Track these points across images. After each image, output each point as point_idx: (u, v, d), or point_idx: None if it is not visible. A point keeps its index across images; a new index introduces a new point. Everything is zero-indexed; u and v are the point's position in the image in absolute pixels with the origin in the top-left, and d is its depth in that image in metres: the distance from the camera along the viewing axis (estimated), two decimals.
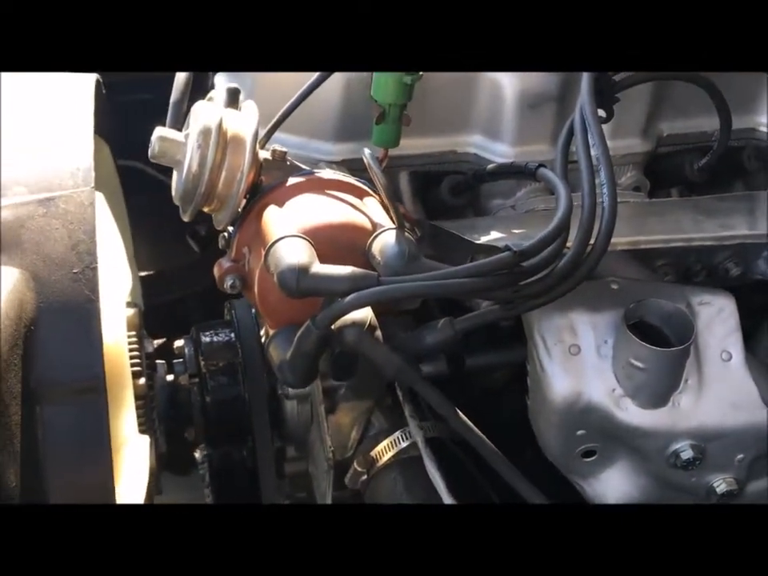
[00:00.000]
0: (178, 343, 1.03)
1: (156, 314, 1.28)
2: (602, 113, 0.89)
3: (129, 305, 1.02)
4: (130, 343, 0.93)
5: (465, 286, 0.70)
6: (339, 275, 0.70)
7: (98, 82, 0.95)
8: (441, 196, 0.97)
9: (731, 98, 1.00)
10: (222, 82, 1.01)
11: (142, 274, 1.66)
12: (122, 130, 1.22)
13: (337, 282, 0.69)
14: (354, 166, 0.94)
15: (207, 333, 1.00)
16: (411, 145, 0.94)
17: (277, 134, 0.87)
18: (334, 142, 0.93)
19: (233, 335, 0.99)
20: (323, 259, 0.72)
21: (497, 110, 0.94)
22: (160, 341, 1.46)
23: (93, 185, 0.76)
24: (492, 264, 0.71)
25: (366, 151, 0.76)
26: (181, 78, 0.85)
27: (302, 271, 0.69)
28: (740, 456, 0.90)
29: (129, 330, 0.95)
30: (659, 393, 0.88)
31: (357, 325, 0.71)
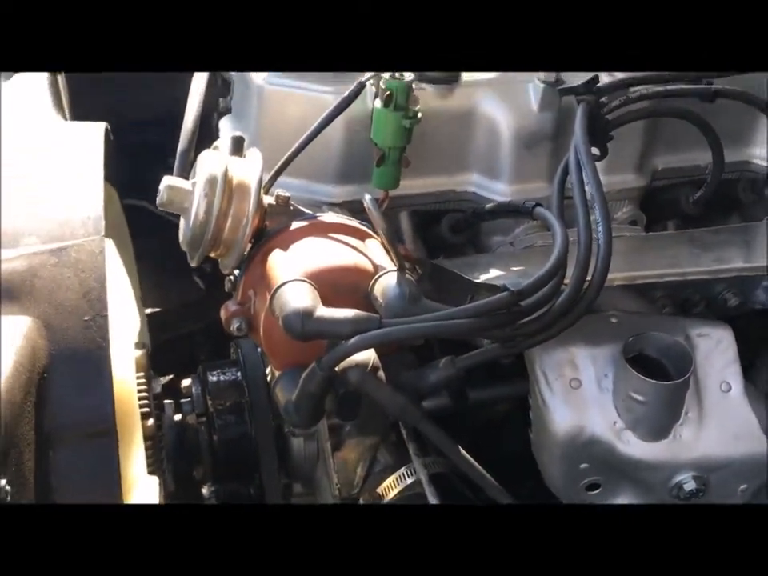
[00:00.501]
0: (186, 383, 1.04)
1: (164, 350, 1.30)
2: (596, 151, 0.92)
3: (137, 345, 1.04)
4: (138, 384, 0.95)
5: (464, 326, 0.72)
6: (342, 318, 0.72)
7: (106, 129, 0.98)
8: (441, 234, 0.99)
9: (725, 131, 1.02)
10: (227, 128, 1.05)
11: (149, 311, 1.68)
12: (130, 170, 1.26)
13: (340, 325, 0.71)
14: (356, 207, 0.96)
15: (214, 372, 1.02)
16: (411, 185, 0.96)
17: (280, 178, 0.89)
18: (336, 185, 0.96)
19: (239, 374, 1.01)
20: (327, 302, 0.74)
21: (493, 150, 0.97)
22: (168, 378, 1.48)
23: (103, 233, 0.78)
24: (490, 304, 0.73)
25: (367, 197, 0.78)
26: (187, 127, 0.88)
27: (306, 315, 0.71)
28: (743, 486, 0.90)
29: (137, 371, 0.97)
30: (660, 425, 0.89)
31: (360, 366, 0.73)
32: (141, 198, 1.34)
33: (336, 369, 0.72)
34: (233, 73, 1.06)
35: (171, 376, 1.47)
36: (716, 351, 0.94)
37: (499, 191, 0.98)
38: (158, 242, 1.12)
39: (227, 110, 1.10)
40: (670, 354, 0.91)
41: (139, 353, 1.01)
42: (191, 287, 1.55)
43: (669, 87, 0.93)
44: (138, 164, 1.33)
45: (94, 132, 0.93)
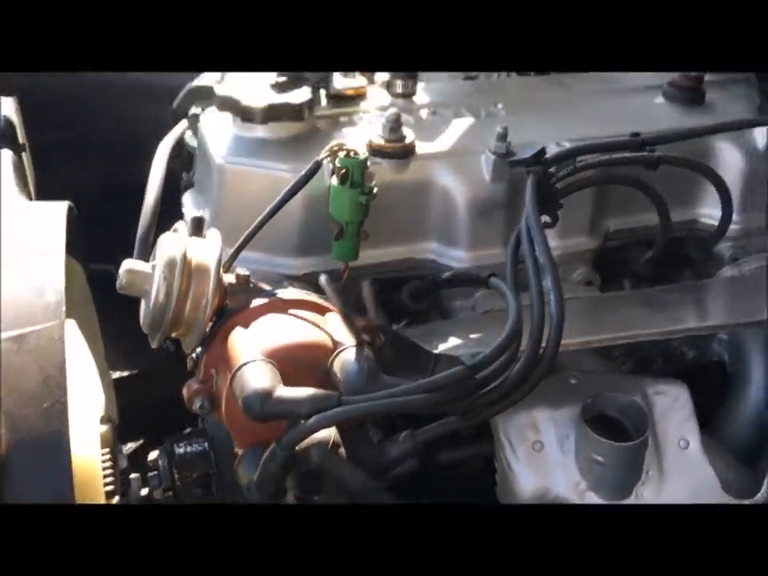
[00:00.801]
0: (152, 455, 1.04)
1: (135, 415, 1.29)
2: (547, 218, 0.95)
3: (102, 420, 1.03)
4: (103, 462, 0.94)
5: (421, 401, 0.73)
6: (301, 398, 0.73)
7: (69, 207, 0.99)
8: (402, 302, 1.01)
9: (673, 191, 1.06)
10: (190, 202, 1.07)
11: (120, 374, 1.68)
12: (98, 236, 1.27)
13: (299, 405, 0.72)
14: (317, 278, 0.98)
15: (181, 444, 1.01)
16: (371, 254, 0.99)
17: (242, 253, 0.91)
18: (297, 257, 0.98)
19: (206, 444, 1.01)
20: (287, 379, 0.76)
21: (450, 219, 1.00)
22: (138, 443, 1.47)
23: (63, 317, 0.79)
24: (447, 379, 0.74)
25: (322, 276, 0.80)
26: (147, 210, 0.90)
27: (266, 396, 0.72)
28: None
29: (102, 448, 0.96)
30: (622, 485, 0.91)
31: (321, 444, 0.74)
32: (108, 262, 1.35)
33: (297, 447, 0.73)
34: (196, 144, 1.09)
35: (141, 441, 1.46)
36: (673, 408, 0.96)
37: (457, 258, 1.01)
38: (126, 305, 1.13)
39: (190, 184, 1.12)
40: (628, 414, 0.93)
41: (104, 428, 1.01)
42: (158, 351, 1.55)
43: (614, 156, 0.97)
44: (106, 229, 1.35)
45: (57, 212, 0.94)
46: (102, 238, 1.32)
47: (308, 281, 0.96)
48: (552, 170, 0.95)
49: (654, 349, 1.09)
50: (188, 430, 1.05)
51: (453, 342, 0.91)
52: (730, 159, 1.07)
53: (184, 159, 1.14)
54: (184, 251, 0.79)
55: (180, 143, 1.12)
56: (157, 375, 1.61)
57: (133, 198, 1.03)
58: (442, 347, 0.89)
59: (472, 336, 0.93)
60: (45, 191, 1.18)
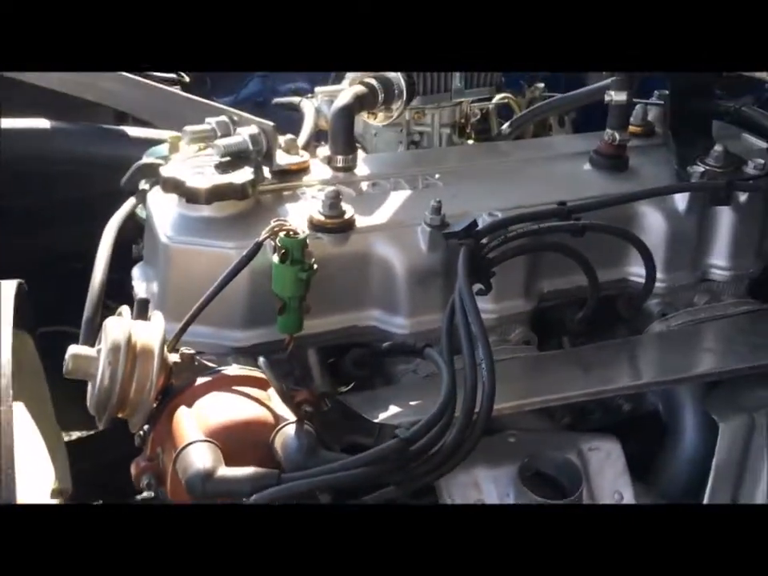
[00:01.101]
0: None
1: (90, 477, 1.30)
2: (481, 287, 1.00)
3: (53, 494, 1.05)
4: None
5: (360, 476, 0.77)
6: (242, 477, 0.76)
7: (19, 284, 1.01)
8: (346, 369, 1.05)
9: (603, 251, 1.12)
10: (138, 277, 1.10)
11: (77, 435, 1.68)
12: (52, 298, 1.29)
13: (240, 484, 0.75)
14: (264, 349, 1.02)
15: None
16: (316, 324, 1.02)
17: (190, 327, 0.94)
18: (244, 330, 1.01)
19: None
20: (230, 456, 0.79)
21: (390, 288, 1.04)
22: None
23: (11, 402, 0.81)
24: (383, 452, 0.78)
25: (261, 359, 0.84)
26: (93, 292, 0.93)
27: (207, 476, 0.75)
28: None
29: None
30: None
31: None
32: (63, 323, 1.37)
33: None
34: (144, 216, 1.12)
35: (100, 502, 1.46)
36: (607, 463, 1.01)
37: (399, 325, 1.05)
38: None
39: (139, 257, 1.15)
40: (563, 471, 0.97)
41: (55, 503, 1.02)
42: None
43: (542, 225, 1.03)
44: (60, 292, 1.37)
45: (4, 292, 0.97)
46: (55, 300, 1.35)
47: (256, 352, 1.00)
48: (484, 240, 1.00)
49: (591, 403, 1.14)
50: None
51: (394, 409, 0.94)
52: (653, 222, 1.14)
53: (135, 231, 1.17)
54: (128, 335, 0.82)
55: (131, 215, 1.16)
56: (113, 434, 1.62)
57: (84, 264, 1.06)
58: (383, 416, 0.92)
59: (413, 403, 0.97)
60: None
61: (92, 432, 1.60)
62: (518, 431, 1.02)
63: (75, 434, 1.75)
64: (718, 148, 1.17)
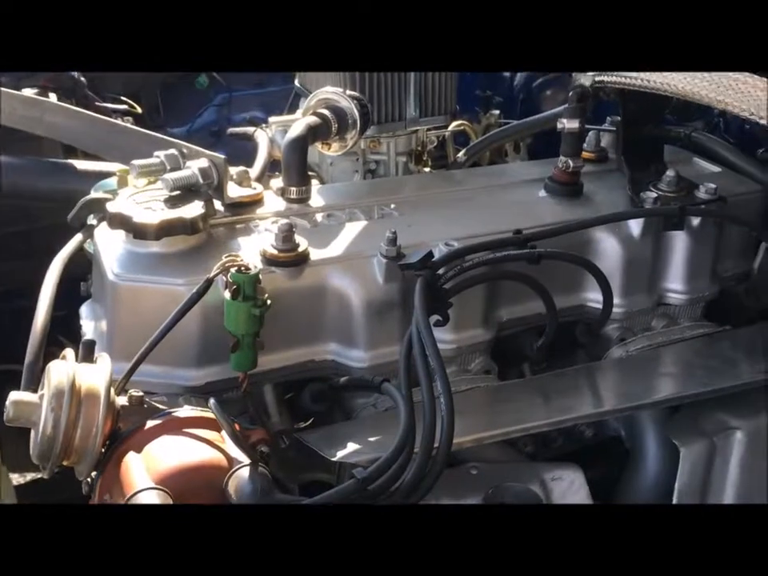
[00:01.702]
0: None
1: None
2: (439, 318, 0.99)
3: None
4: None
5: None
6: None
7: None
8: (304, 404, 1.02)
9: (562, 278, 1.12)
10: (86, 315, 1.06)
11: (30, 477, 1.61)
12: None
13: None
14: (219, 387, 0.99)
15: None
16: (271, 360, 1.00)
17: (141, 367, 0.91)
18: (197, 368, 0.98)
19: None
20: (183, 500, 0.75)
21: (347, 320, 1.02)
22: None
23: None
24: (340, 493, 0.76)
25: (211, 401, 0.81)
26: (35, 336, 0.89)
27: None
28: None
29: None
30: None
31: None
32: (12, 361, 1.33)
33: None
34: (93, 250, 1.08)
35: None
36: (570, 492, 1.00)
37: (356, 358, 1.03)
38: None
39: (88, 295, 1.12)
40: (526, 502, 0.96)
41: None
42: None
43: (498, 254, 1.02)
44: (6, 330, 1.33)
45: None
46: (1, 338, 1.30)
47: (209, 391, 0.97)
48: (441, 270, 0.99)
49: (553, 431, 1.13)
50: None
51: (353, 446, 0.92)
52: (608, 248, 1.14)
53: (85, 266, 1.14)
54: (72, 379, 0.79)
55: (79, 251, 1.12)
56: (69, 473, 1.57)
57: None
58: (341, 454, 0.90)
59: (372, 439, 0.95)
60: None
61: (34, 477, 1.55)
62: (480, 463, 1.00)
63: (29, 476, 1.69)
64: (670, 173, 1.19)
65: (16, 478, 1.62)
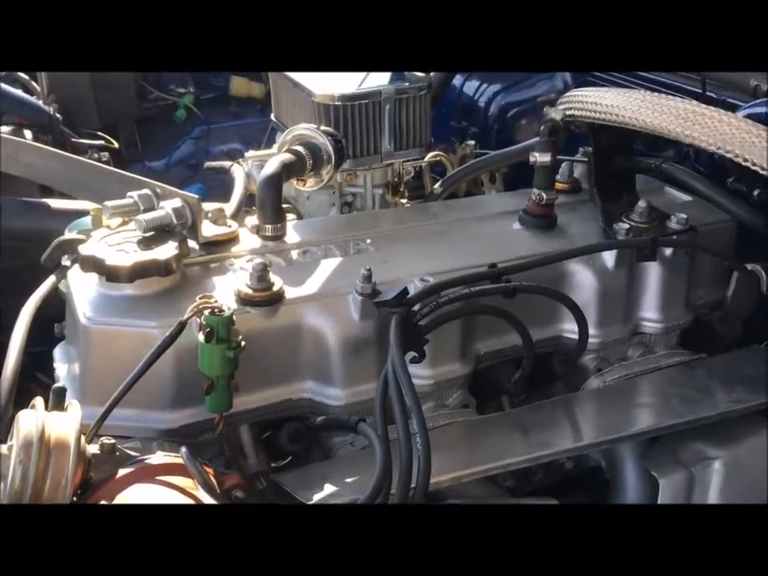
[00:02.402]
0: None
1: None
2: (415, 354, 0.99)
3: None
4: None
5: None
6: None
7: None
8: (281, 444, 1.01)
9: (538, 310, 1.12)
10: (59, 357, 1.05)
11: None
12: None
13: None
14: (195, 429, 0.98)
15: None
16: (247, 400, 0.99)
17: (115, 411, 0.90)
18: (171, 411, 0.97)
19: None
20: None
21: (323, 358, 1.02)
22: None
23: None
24: None
25: (183, 450, 0.80)
26: (5, 384, 0.88)
27: None
28: None
29: None
30: None
31: None
32: None
33: None
34: (66, 292, 1.07)
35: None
36: None
37: (333, 396, 1.02)
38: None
39: (62, 336, 1.11)
40: None
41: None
42: None
43: (473, 289, 1.03)
44: None
45: None
46: None
47: (184, 434, 0.96)
48: (416, 307, 0.99)
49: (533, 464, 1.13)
50: None
51: (329, 488, 0.91)
52: (583, 279, 1.15)
53: (60, 306, 1.13)
54: (42, 429, 0.78)
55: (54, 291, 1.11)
56: None
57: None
58: (318, 496, 0.89)
59: (349, 480, 0.94)
60: None
61: None
62: (459, 499, 1.00)
63: None
64: (641, 204, 1.20)
65: None
